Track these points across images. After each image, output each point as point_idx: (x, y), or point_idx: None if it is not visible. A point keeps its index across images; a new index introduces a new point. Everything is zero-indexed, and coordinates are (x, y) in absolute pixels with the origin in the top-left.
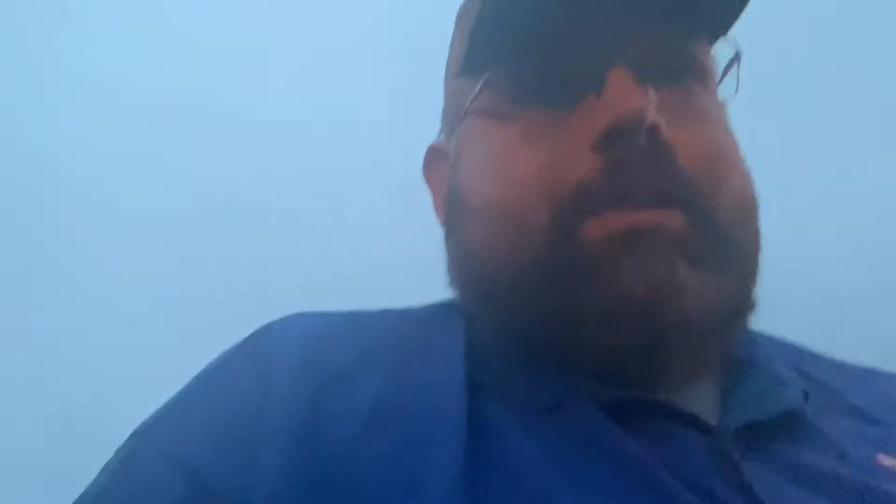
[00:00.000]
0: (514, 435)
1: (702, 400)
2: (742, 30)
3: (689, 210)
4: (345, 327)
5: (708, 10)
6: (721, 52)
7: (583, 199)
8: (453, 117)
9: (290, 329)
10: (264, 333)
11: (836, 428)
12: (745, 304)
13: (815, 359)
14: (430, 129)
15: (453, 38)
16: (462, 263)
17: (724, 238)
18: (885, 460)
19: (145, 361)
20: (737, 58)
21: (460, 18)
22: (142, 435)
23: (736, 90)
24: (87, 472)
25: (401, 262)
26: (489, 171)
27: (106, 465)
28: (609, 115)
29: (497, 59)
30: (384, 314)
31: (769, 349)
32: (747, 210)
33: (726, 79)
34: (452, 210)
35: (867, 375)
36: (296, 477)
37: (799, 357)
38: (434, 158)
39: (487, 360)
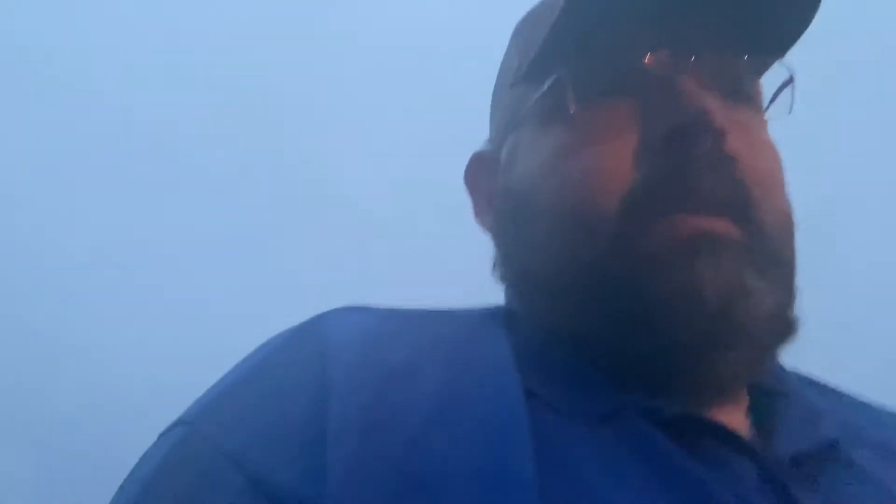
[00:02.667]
0: (570, 443)
1: (741, 426)
2: None
3: (745, 222)
4: (397, 325)
5: (774, 32)
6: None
7: (650, 199)
8: (506, 125)
9: (343, 325)
10: (316, 328)
11: (870, 462)
12: (791, 323)
13: (834, 392)
14: None
15: (509, 51)
16: (522, 263)
17: (774, 253)
18: None
19: None
20: (790, 81)
21: (518, 32)
22: (191, 424)
23: (790, 111)
24: None
25: None
26: (552, 170)
27: (150, 453)
28: (679, 114)
29: (563, 63)
30: (431, 314)
31: (793, 379)
32: (790, 230)
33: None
34: (509, 212)
35: (881, 411)
36: (365, 475)
37: (820, 389)
38: (478, 165)
39: (535, 369)
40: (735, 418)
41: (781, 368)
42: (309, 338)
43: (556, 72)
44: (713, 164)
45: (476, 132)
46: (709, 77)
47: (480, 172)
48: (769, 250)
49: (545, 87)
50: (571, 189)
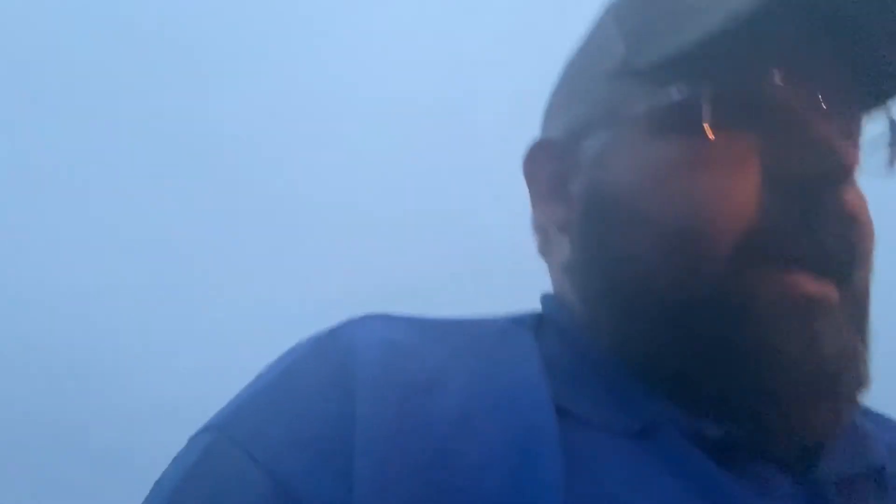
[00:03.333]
0: (601, 457)
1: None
2: None
3: (846, 285)
4: (421, 335)
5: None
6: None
7: (768, 245)
8: (599, 118)
9: (367, 335)
10: (339, 337)
11: None
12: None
13: (884, 419)
14: None
15: (604, 30)
16: (608, 271)
17: (863, 315)
18: None
19: None
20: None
21: (622, 12)
22: (221, 429)
23: (888, 171)
24: None
25: None
26: (666, 184)
27: (180, 457)
28: (817, 159)
29: (699, 72)
30: (457, 324)
31: None
32: (870, 289)
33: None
34: (600, 215)
35: None
36: (392, 484)
37: (870, 415)
38: (545, 154)
39: (569, 380)
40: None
41: None
42: (335, 346)
43: (689, 81)
44: (838, 220)
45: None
46: (839, 121)
47: (546, 161)
48: (861, 313)
49: (676, 96)
50: (687, 210)
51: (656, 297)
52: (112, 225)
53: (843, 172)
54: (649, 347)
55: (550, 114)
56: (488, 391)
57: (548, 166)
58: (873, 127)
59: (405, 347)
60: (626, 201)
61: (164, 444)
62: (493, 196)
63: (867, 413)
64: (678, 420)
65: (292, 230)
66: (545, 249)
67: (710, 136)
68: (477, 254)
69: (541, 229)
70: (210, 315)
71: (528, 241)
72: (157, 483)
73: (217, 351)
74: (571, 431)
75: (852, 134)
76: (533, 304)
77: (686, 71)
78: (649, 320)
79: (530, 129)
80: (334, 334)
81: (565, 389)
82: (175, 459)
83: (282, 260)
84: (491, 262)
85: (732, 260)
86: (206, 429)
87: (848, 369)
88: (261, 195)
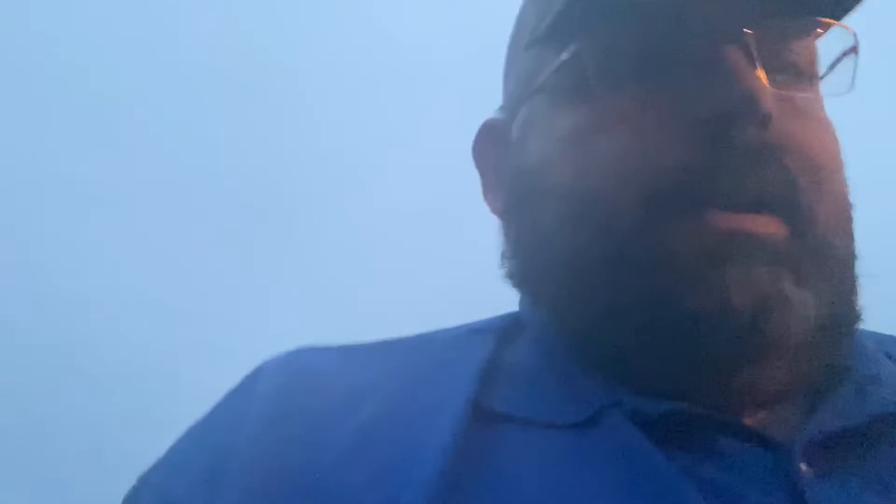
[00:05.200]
0: (518, 456)
1: (787, 411)
2: None
3: (791, 217)
4: (347, 361)
5: None
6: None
7: (680, 191)
8: (520, 93)
9: (278, 367)
10: (256, 372)
11: None
12: (847, 318)
13: None
14: None
15: (525, 5)
16: (529, 250)
17: (824, 248)
18: None
19: None
20: (853, 49)
21: None
22: (143, 478)
23: (851, 86)
24: None
25: None
26: (570, 151)
27: None
28: (722, 98)
29: (586, 30)
30: (400, 343)
31: (867, 345)
32: (846, 217)
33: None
34: (519, 193)
35: None
36: None
37: None
38: (489, 136)
39: (512, 381)
40: (782, 405)
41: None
42: (247, 383)
43: (578, 39)
44: (756, 154)
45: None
46: (757, 48)
47: (490, 144)
48: (820, 248)
49: (563, 57)
50: (589, 173)
51: (578, 268)
52: (141, 234)
53: (754, 108)
54: (583, 324)
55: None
56: (397, 409)
57: (491, 151)
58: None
59: (319, 376)
60: (536, 177)
61: None
62: None
63: (872, 336)
64: (624, 404)
65: (323, 252)
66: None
67: (600, 91)
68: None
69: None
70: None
71: None
72: None
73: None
74: (491, 433)
75: (781, 55)
76: None
77: (575, 30)
78: (576, 294)
79: None
80: (254, 371)
81: (507, 392)
82: None
83: (308, 281)
84: None
85: (642, 215)
86: (136, 481)
87: (782, 316)
88: (287, 217)
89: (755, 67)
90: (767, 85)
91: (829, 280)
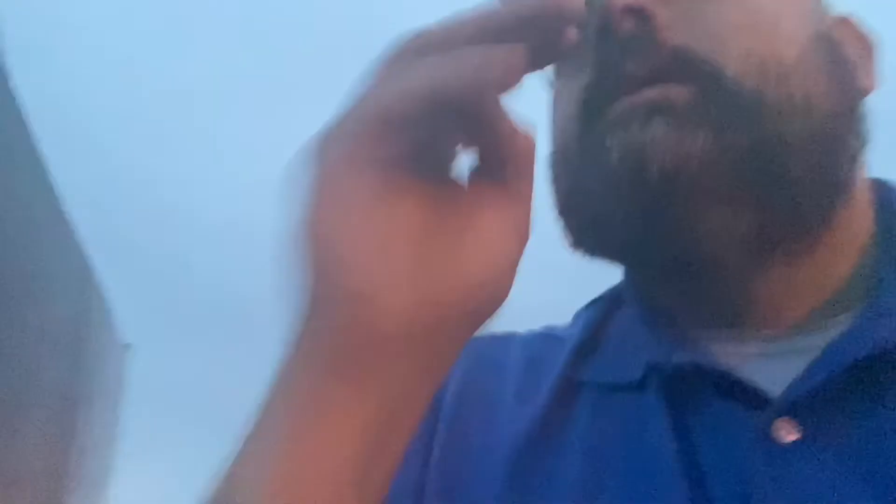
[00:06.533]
0: (583, 417)
1: (802, 355)
2: None
3: (692, 79)
4: (504, 350)
5: None
6: None
7: (590, 97)
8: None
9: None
10: None
11: None
12: (790, 167)
13: None
14: None
15: None
16: (566, 211)
17: (736, 99)
18: None
19: None
20: None
21: None
22: None
23: None
24: None
25: None
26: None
27: None
28: (597, 15)
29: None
30: (539, 334)
31: None
32: (776, 73)
33: None
34: (553, 170)
35: None
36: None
37: None
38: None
39: (606, 342)
40: (796, 346)
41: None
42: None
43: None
44: (635, 41)
45: None
46: None
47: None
48: (733, 94)
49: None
50: (557, 123)
51: (571, 201)
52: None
53: (616, 10)
54: (617, 261)
55: None
56: (526, 386)
57: None
58: None
59: (488, 362)
60: (553, 151)
61: None
62: None
63: None
64: (665, 363)
65: None
66: None
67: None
68: None
69: None
70: None
71: None
72: None
73: None
74: (571, 399)
75: None
76: None
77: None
78: (594, 236)
79: None
80: None
81: (593, 359)
82: None
83: None
84: None
85: (580, 120)
86: None
87: (689, 167)
88: None
89: None
90: None
91: (753, 126)
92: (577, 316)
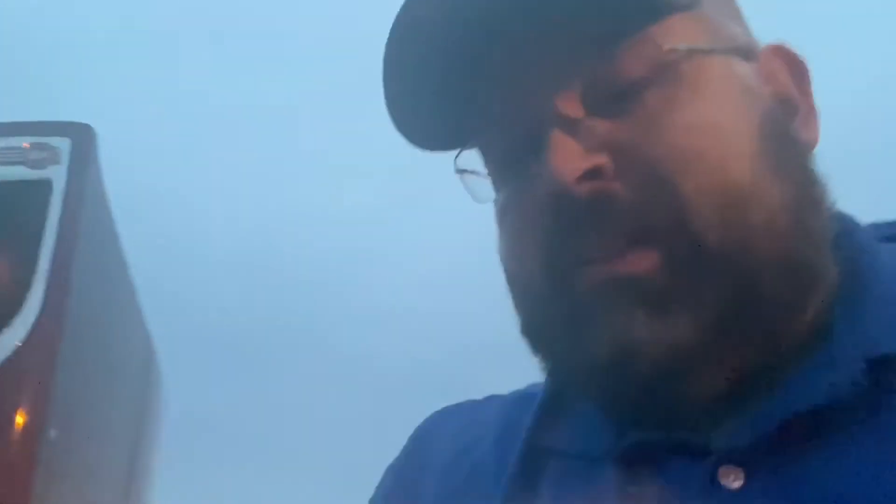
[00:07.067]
0: (550, 482)
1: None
2: None
3: (658, 241)
4: (464, 419)
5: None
6: None
7: (555, 261)
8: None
9: (433, 422)
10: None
11: None
12: (768, 301)
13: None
14: None
15: None
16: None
17: (706, 254)
18: None
19: None
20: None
21: None
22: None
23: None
24: None
25: None
26: (501, 236)
27: None
28: (546, 179)
29: (473, 138)
30: (500, 398)
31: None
32: (734, 204)
33: None
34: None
35: None
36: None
37: None
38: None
39: (563, 414)
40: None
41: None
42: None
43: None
44: (592, 208)
45: None
46: (588, 95)
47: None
48: (701, 250)
49: (459, 170)
50: (508, 257)
51: (529, 335)
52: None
53: (566, 183)
54: (564, 379)
55: None
56: (489, 456)
57: None
58: None
59: (438, 436)
60: (501, 260)
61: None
62: None
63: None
64: (609, 440)
65: None
66: None
67: (498, 189)
68: None
69: None
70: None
71: None
72: None
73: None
74: (536, 464)
75: (619, 73)
76: None
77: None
78: (544, 356)
79: None
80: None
81: (555, 429)
82: None
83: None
84: None
85: (544, 286)
86: None
87: (632, 354)
88: None
89: (574, 132)
90: (600, 131)
91: (713, 286)
92: (528, 391)
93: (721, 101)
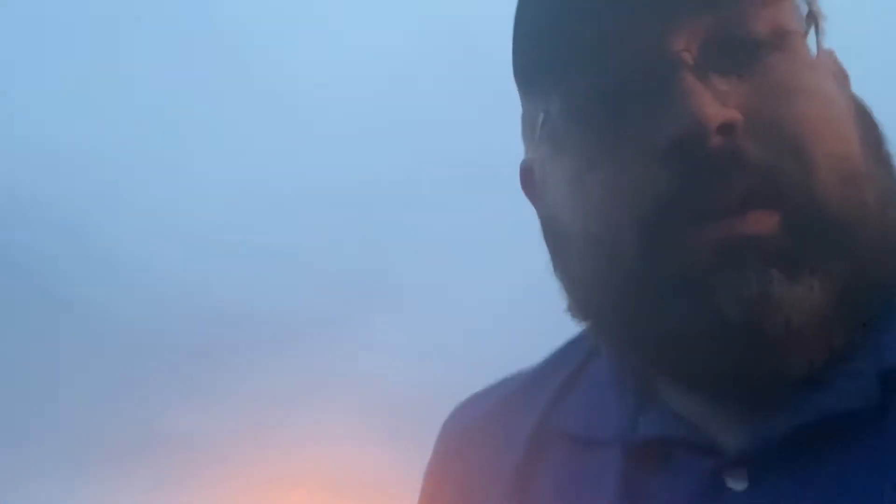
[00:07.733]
0: (557, 466)
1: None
2: None
3: (782, 203)
4: (487, 408)
5: None
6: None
7: (663, 216)
8: (528, 139)
9: (443, 430)
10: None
11: None
12: (866, 285)
13: None
14: None
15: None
16: (569, 289)
17: (828, 223)
18: None
19: None
20: (812, 17)
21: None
22: None
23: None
24: None
25: None
26: (570, 198)
27: None
28: (674, 124)
29: (548, 80)
30: (528, 371)
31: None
32: (853, 177)
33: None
34: (549, 238)
35: None
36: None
37: None
38: (528, 178)
39: (581, 393)
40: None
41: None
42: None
43: (542, 90)
44: (723, 162)
45: None
46: (706, 45)
47: (530, 185)
48: (823, 225)
49: (539, 119)
50: (589, 214)
51: (602, 302)
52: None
53: (701, 126)
54: (625, 345)
55: None
56: (501, 436)
57: (533, 190)
58: None
59: (468, 431)
60: (556, 222)
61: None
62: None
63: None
64: (628, 427)
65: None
66: None
67: (579, 140)
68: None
69: None
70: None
71: None
72: None
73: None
74: (546, 446)
75: (740, 42)
76: None
77: (542, 81)
78: (612, 323)
79: None
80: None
81: (568, 409)
82: None
83: (270, 141)
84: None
85: (641, 241)
86: None
87: (774, 315)
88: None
89: (705, 77)
90: (720, 94)
91: (837, 258)
92: (561, 352)
93: (830, 82)
